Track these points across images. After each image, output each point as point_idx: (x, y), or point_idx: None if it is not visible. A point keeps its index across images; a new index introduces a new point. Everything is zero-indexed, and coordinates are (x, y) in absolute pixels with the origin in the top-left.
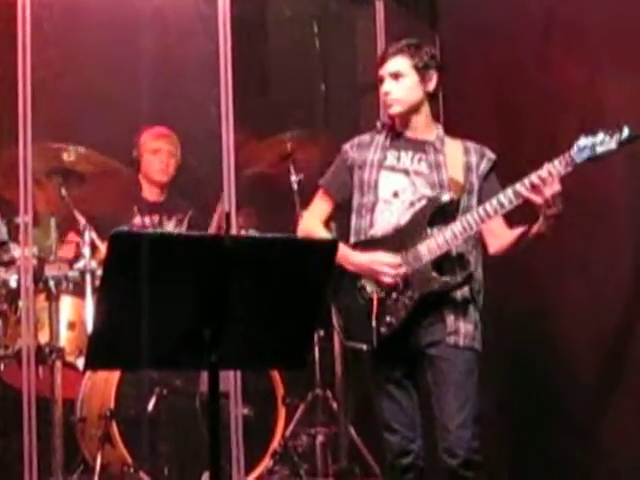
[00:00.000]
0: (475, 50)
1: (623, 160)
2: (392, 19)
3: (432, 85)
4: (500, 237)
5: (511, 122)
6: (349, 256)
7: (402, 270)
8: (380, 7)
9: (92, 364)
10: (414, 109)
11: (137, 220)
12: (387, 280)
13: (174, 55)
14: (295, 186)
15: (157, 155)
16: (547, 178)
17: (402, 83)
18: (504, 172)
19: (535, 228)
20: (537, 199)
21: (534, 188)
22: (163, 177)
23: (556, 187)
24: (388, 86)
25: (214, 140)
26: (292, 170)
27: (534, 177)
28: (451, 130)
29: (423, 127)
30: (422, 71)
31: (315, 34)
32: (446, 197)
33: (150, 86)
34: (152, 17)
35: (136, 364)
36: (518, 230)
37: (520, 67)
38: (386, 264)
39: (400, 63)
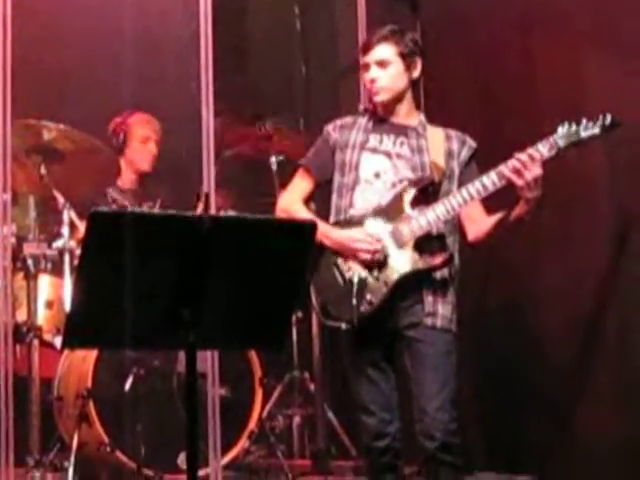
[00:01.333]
0: (456, 35)
1: (602, 143)
2: (373, 2)
3: (417, 72)
4: (479, 223)
5: (493, 108)
6: (328, 232)
7: (380, 245)
8: None
9: (70, 343)
10: (399, 97)
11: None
12: (365, 255)
13: (154, 34)
14: (274, 167)
15: (147, 144)
16: (529, 161)
17: (388, 71)
18: (486, 159)
19: (515, 211)
20: (518, 181)
21: (516, 170)
22: (149, 167)
23: (537, 170)
24: (374, 73)
25: (193, 121)
26: (272, 152)
27: (516, 159)
28: (432, 117)
29: (406, 113)
30: (407, 58)
31: (296, 15)
32: (427, 178)
33: (131, 65)
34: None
35: (114, 343)
36: (497, 215)
37: (502, 52)
38: (364, 239)
39: (386, 51)
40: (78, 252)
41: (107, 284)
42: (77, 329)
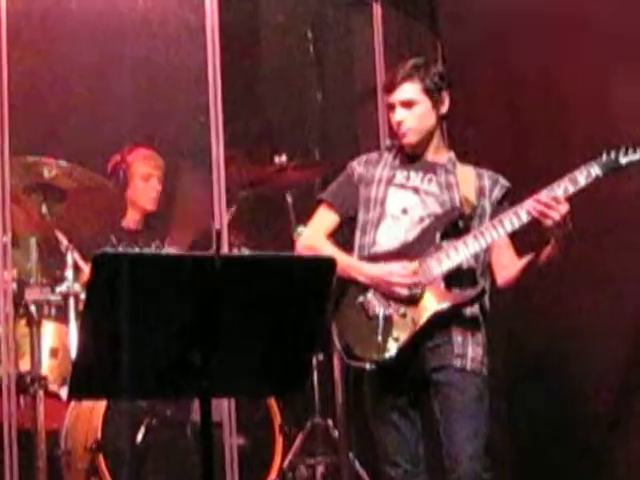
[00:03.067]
0: (480, 55)
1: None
2: (390, 23)
3: (445, 108)
4: (509, 268)
5: (520, 133)
6: (360, 267)
7: (417, 278)
8: (377, 11)
9: (76, 393)
10: (428, 136)
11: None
12: (402, 290)
13: (160, 66)
14: (290, 201)
15: (149, 182)
16: (552, 202)
17: (415, 111)
18: (514, 185)
19: (545, 252)
20: (546, 222)
21: (540, 213)
22: (153, 206)
23: (564, 208)
24: (400, 115)
25: (203, 155)
26: (287, 185)
27: (536, 200)
28: (455, 143)
29: (434, 150)
30: (434, 95)
31: (309, 40)
32: (458, 210)
33: (135, 98)
34: (137, 25)
35: (123, 393)
36: (527, 258)
37: (527, 73)
38: (400, 272)
39: (411, 90)
40: (83, 296)
41: (114, 330)
42: (84, 379)
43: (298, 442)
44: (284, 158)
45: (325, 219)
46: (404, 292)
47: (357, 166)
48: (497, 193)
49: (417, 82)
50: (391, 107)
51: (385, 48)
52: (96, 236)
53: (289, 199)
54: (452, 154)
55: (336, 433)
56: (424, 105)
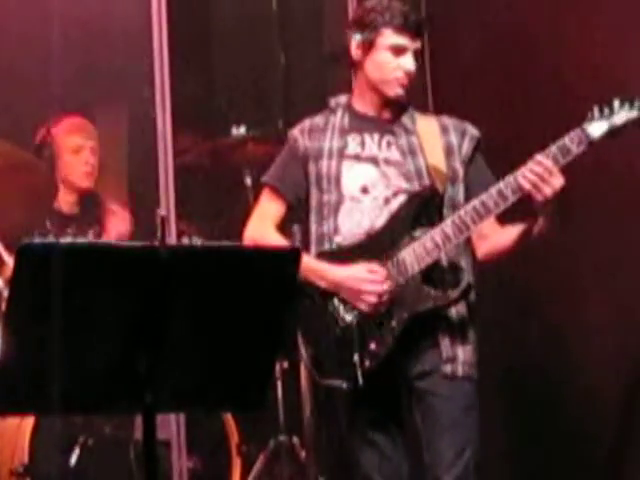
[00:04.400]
0: (470, 13)
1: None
2: None
3: None
4: (491, 238)
5: (516, 100)
6: (322, 271)
7: (388, 284)
8: None
9: None
10: None
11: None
12: (371, 300)
13: (95, 23)
14: (249, 183)
15: (80, 155)
16: (546, 173)
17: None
18: (508, 161)
19: (537, 227)
20: (537, 197)
21: (533, 185)
22: (89, 182)
23: (558, 182)
24: (413, 63)
25: (147, 129)
26: (245, 163)
27: (531, 171)
28: (442, 106)
29: (391, 106)
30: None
31: None
32: (428, 190)
33: (66, 61)
34: None
35: (53, 407)
36: (516, 228)
37: (526, 32)
38: (369, 278)
39: (420, 42)
40: (6, 294)
41: (43, 333)
42: (8, 390)
43: (259, 464)
44: (242, 130)
45: (271, 207)
46: (373, 301)
47: (300, 137)
48: (467, 147)
49: (423, 37)
50: (400, 50)
51: (358, 1)
52: (23, 223)
53: (248, 178)
54: (410, 107)
55: (303, 453)
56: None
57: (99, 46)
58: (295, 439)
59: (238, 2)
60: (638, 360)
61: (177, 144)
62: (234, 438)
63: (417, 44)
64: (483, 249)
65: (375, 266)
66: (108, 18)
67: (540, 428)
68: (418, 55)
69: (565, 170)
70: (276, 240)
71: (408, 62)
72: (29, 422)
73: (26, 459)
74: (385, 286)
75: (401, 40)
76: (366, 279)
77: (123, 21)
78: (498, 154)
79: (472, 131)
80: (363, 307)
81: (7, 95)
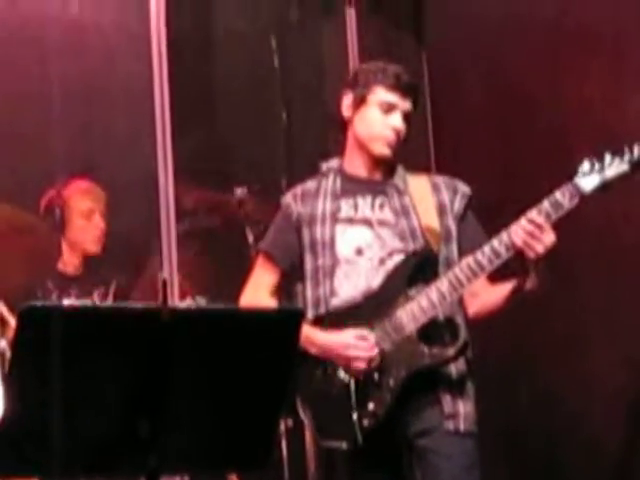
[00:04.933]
0: (470, 68)
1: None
2: (367, 30)
3: None
4: (482, 296)
5: (515, 151)
6: (312, 336)
7: (377, 351)
8: (351, 16)
9: (0, 471)
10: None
11: (53, 300)
12: (362, 367)
13: (97, 83)
14: (251, 241)
15: (91, 219)
16: (537, 230)
17: (406, 128)
18: (507, 216)
19: (528, 284)
20: (530, 254)
21: (525, 243)
22: (98, 246)
23: (549, 239)
24: (401, 122)
25: (148, 188)
26: (247, 222)
27: (522, 229)
28: (443, 167)
29: (381, 166)
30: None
31: (273, 50)
32: (423, 250)
33: (67, 122)
34: (68, 35)
35: (55, 471)
36: (506, 286)
37: (525, 85)
38: (358, 345)
39: (412, 105)
40: (9, 355)
41: (45, 395)
42: (10, 453)
43: None
44: (245, 190)
45: (265, 274)
46: (362, 366)
47: (293, 203)
48: (458, 205)
49: (415, 100)
50: (390, 107)
51: (360, 60)
52: (26, 284)
53: (250, 236)
54: (400, 168)
55: None
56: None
57: (100, 104)
58: None
59: (240, 60)
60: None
61: (179, 204)
62: None
63: (407, 105)
64: (474, 307)
65: (364, 332)
66: (109, 76)
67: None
68: (408, 117)
69: (557, 224)
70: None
71: (396, 120)
72: None
73: None
74: (374, 352)
75: (391, 97)
76: (354, 346)
77: (124, 78)
78: (496, 210)
79: (463, 188)
80: (352, 373)
81: (8, 156)
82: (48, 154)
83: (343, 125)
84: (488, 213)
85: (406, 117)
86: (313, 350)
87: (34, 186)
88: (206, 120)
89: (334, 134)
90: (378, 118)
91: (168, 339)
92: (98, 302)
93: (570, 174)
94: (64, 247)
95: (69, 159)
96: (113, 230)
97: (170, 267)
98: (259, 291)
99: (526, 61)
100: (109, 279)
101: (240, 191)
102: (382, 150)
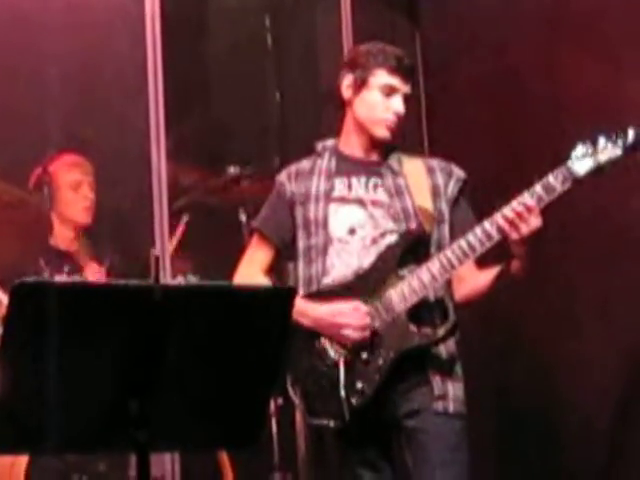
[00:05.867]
0: (465, 49)
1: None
2: (361, 12)
3: None
4: (468, 281)
5: (510, 136)
6: (304, 309)
7: (370, 321)
8: None
9: None
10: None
11: (45, 276)
12: (353, 335)
13: (90, 61)
14: (244, 220)
15: (79, 191)
16: (525, 211)
17: (405, 110)
18: (502, 199)
19: (513, 268)
20: (512, 235)
21: (511, 223)
22: (88, 218)
23: (535, 222)
24: (402, 105)
25: (141, 165)
26: (240, 201)
27: (512, 210)
28: (436, 148)
29: (378, 148)
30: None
31: (267, 28)
32: (416, 230)
33: (61, 99)
34: (61, 12)
35: (46, 446)
36: (492, 271)
37: (521, 69)
38: (350, 315)
39: (411, 87)
40: (1, 332)
41: (37, 372)
42: (1, 429)
43: None
44: (237, 169)
45: (259, 252)
46: (355, 335)
47: (287, 182)
48: (452, 188)
49: (412, 82)
50: (391, 90)
51: (354, 40)
52: (18, 260)
53: (243, 216)
54: (396, 149)
55: None
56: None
57: (94, 82)
58: (290, 476)
59: (233, 40)
60: (631, 392)
61: (172, 182)
62: (229, 476)
63: (408, 88)
64: (461, 292)
65: (357, 303)
66: (103, 54)
67: (533, 463)
68: (408, 100)
69: (550, 207)
70: (264, 284)
71: (397, 103)
72: (23, 461)
73: None
74: (366, 320)
75: (393, 81)
76: (346, 313)
77: (119, 57)
78: (489, 189)
79: (458, 173)
80: (348, 339)
81: (1, 133)
82: (41, 131)
83: (340, 105)
84: (481, 193)
85: (406, 100)
86: (305, 322)
87: (27, 163)
88: (200, 99)
89: (328, 113)
90: (379, 101)
91: (160, 316)
92: (90, 278)
93: (563, 157)
94: (55, 222)
95: (62, 136)
96: (106, 206)
97: (162, 244)
98: (253, 268)
99: (521, 42)
100: (102, 255)
101: (233, 170)
102: (383, 133)
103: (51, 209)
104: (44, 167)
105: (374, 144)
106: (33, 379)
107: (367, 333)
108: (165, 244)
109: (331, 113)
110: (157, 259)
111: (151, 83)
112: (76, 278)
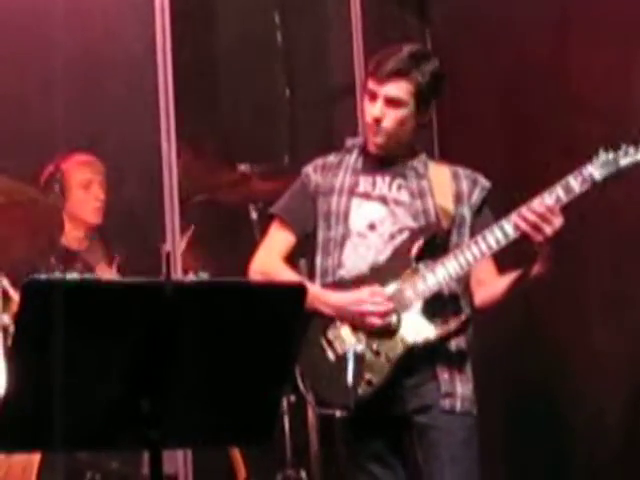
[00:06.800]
0: (475, 44)
1: None
2: (371, 8)
3: (427, 118)
4: (489, 286)
5: (520, 132)
6: (325, 297)
7: (391, 306)
8: None
9: (5, 445)
10: (401, 141)
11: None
12: (375, 320)
13: (97, 54)
14: (254, 217)
15: (90, 190)
16: (547, 212)
17: (398, 113)
18: (513, 196)
19: (534, 270)
20: (537, 237)
21: (533, 226)
22: (98, 218)
23: (558, 222)
24: (380, 110)
25: (151, 161)
26: (250, 198)
27: (532, 211)
28: (446, 154)
29: (404, 153)
30: (423, 100)
31: (277, 25)
32: (434, 225)
33: (70, 93)
34: (70, 5)
35: (59, 444)
36: (511, 275)
37: (531, 64)
38: (372, 300)
39: (402, 89)
40: (12, 330)
41: (48, 369)
42: (13, 427)
43: None
44: (248, 167)
45: (279, 239)
46: (377, 322)
47: (313, 173)
48: (476, 197)
49: (408, 82)
50: (372, 96)
51: (364, 36)
52: (29, 259)
53: (254, 214)
54: (423, 155)
55: None
56: (408, 109)
57: (102, 74)
58: (302, 473)
59: (243, 35)
60: None
61: (182, 179)
62: (241, 472)
63: (388, 90)
64: (481, 296)
65: (377, 288)
66: (112, 46)
67: (545, 457)
68: (397, 102)
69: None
70: (283, 271)
71: (374, 108)
72: (36, 459)
73: None
74: (389, 306)
75: (372, 86)
76: (368, 300)
77: (127, 48)
78: (500, 186)
79: (483, 182)
80: (370, 325)
81: (9, 129)
82: (49, 126)
83: None
84: (492, 189)
85: (391, 102)
86: (327, 310)
87: (35, 159)
88: (209, 96)
89: (339, 111)
90: (366, 107)
91: (171, 313)
92: (101, 276)
93: (573, 153)
94: (66, 221)
95: (71, 130)
96: (116, 203)
97: (173, 241)
98: (272, 255)
99: (532, 36)
100: (113, 253)
101: (243, 168)
102: (372, 139)
103: (62, 207)
104: (56, 165)
105: (379, 149)
106: (44, 376)
107: (389, 319)
108: (176, 240)
109: (342, 109)
110: (168, 255)
111: (161, 79)
112: (87, 276)
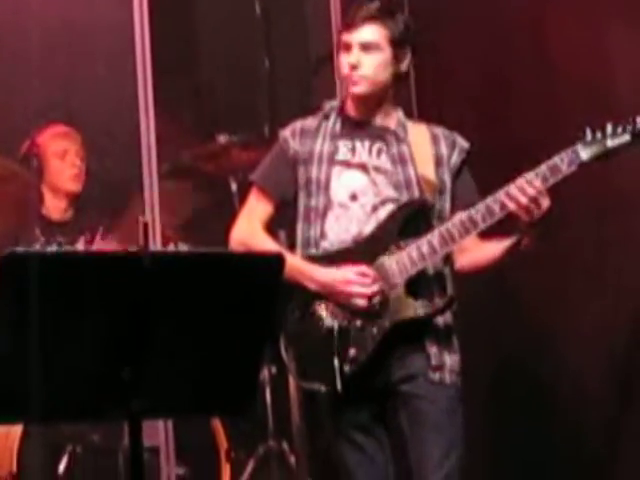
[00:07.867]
0: (452, 13)
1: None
2: None
3: (405, 66)
4: (472, 252)
5: (499, 103)
6: (308, 271)
7: (379, 286)
8: None
9: None
10: (381, 92)
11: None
12: (361, 303)
13: (76, 26)
14: (234, 188)
15: (66, 159)
16: (537, 194)
17: (374, 57)
18: (490, 167)
19: (523, 243)
20: (525, 218)
21: (521, 206)
22: (77, 185)
23: (546, 203)
24: (356, 57)
25: (130, 133)
26: (230, 169)
27: (521, 191)
28: (424, 114)
29: (384, 114)
30: (397, 47)
31: None
32: (418, 200)
33: (48, 68)
34: None
35: (39, 416)
36: (498, 245)
37: (510, 33)
38: (359, 280)
39: (375, 33)
40: None
41: (26, 342)
42: None
43: (249, 470)
44: (227, 137)
45: (259, 207)
46: (363, 304)
47: (291, 139)
48: (455, 158)
49: (382, 26)
50: (347, 47)
51: (343, 6)
52: (10, 232)
53: (233, 185)
54: (401, 114)
55: (293, 458)
56: (385, 54)
57: (81, 50)
58: (284, 444)
59: (221, 7)
60: (625, 363)
61: (161, 150)
62: (223, 444)
63: (362, 35)
64: (463, 262)
65: (364, 268)
66: (90, 22)
67: (527, 435)
68: (372, 46)
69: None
70: (265, 242)
71: (351, 56)
72: (17, 431)
73: (14, 468)
74: (375, 287)
75: (345, 37)
76: (355, 281)
77: (105, 24)
78: (478, 155)
79: (462, 143)
80: (355, 306)
81: None
82: (29, 103)
83: None
84: (470, 159)
85: (367, 47)
86: (312, 286)
87: (15, 134)
88: (188, 67)
89: (316, 79)
90: (342, 60)
91: (150, 284)
92: (83, 248)
93: (553, 123)
94: (46, 193)
95: (50, 106)
96: (97, 174)
97: (152, 211)
98: (253, 222)
99: (511, 3)
100: (95, 224)
101: (223, 138)
102: (352, 90)
103: (41, 180)
104: (32, 139)
105: (358, 102)
106: (24, 348)
107: (377, 299)
108: (155, 211)
109: (320, 78)
110: (146, 226)
111: (138, 49)
112: (67, 248)
